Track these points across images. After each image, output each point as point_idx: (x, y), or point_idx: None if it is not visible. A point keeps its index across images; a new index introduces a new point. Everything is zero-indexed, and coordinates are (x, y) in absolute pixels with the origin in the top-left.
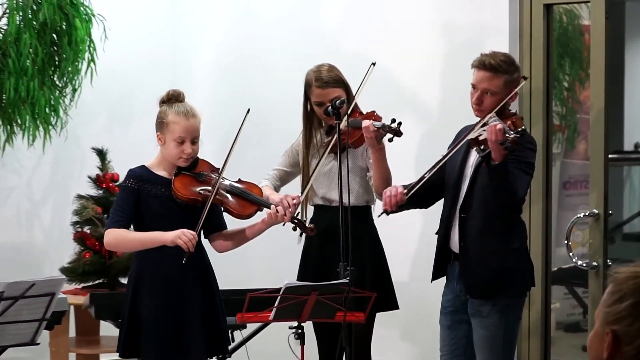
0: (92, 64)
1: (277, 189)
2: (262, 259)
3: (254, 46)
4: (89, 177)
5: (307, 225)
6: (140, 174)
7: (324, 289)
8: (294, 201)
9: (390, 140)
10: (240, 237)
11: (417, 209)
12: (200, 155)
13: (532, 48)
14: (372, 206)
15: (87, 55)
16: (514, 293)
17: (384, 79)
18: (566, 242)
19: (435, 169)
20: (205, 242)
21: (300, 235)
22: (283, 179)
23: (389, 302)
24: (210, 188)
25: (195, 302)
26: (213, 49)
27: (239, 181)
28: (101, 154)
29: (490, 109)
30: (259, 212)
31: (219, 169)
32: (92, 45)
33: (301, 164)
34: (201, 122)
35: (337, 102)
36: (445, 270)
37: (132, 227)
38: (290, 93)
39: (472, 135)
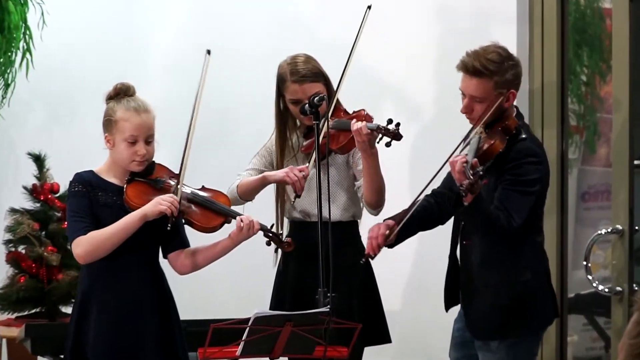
0: (27, 55)
1: None
2: (228, 283)
3: (218, 34)
4: (24, 188)
5: (283, 239)
6: (88, 179)
7: (300, 320)
8: (302, 173)
9: (388, 144)
10: (205, 256)
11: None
12: (155, 160)
13: (544, 36)
14: (359, 221)
15: (21, 44)
16: (525, 331)
17: (368, 73)
18: (585, 263)
19: (423, 193)
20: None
21: (276, 251)
22: None
23: (380, 335)
24: None
25: (150, 335)
26: (170, 37)
27: (203, 188)
28: (38, 160)
29: (479, 119)
30: (226, 225)
31: (179, 174)
32: (27, 32)
33: (275, 166)
34: (155, 120)
35: (316, 98)
36: (459, 296)
37: None
38: (260, 88)
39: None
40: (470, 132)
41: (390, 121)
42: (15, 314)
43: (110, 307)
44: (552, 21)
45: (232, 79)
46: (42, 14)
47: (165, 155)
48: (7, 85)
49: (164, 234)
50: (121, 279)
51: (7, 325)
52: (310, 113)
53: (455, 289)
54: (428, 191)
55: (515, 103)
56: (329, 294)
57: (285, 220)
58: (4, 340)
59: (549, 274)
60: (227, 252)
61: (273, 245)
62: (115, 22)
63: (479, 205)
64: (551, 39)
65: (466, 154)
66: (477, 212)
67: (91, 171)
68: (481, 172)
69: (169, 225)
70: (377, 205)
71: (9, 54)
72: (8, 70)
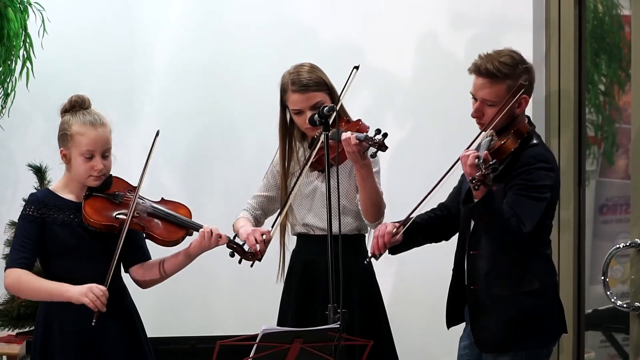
0: (27, 63)
1: (258, 219)
2: (235, 299)
3: (221, 44)
4: (24, 200)
5: (246, 249)
6: (43, 199)
7: (309, 336)
8: (264, 237)
9: (373, 155)
10: (166, 268)
11: (431, 243)
12: (155, 174)
13: (560, 43)
14: (366, 235)
15: (21, 52)
16: (534, 344)
17: (376, 81)
18: (603, 278)
19: (431, 193)
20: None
21: (240, 262)
22: (265, 207)
23: (387, 353)
24: (128, 212)
25: (115, 354)
26: (173, 47)
27: (162, 201)
28: (39, 172)
29: (489, 122)
30: (188, 237)
31: (136, 187)
32: (28, 40)
33: (280, 186)
34: (111, 133)
35: (326, 109)
36: (463, 314)
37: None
38: (265, 100)
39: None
40: (478, 135)
41: (378, 131)
42: (16, 331)
43: (73, 327)
44: (570, 28)
45: (237, 92)
46: (43, 21)
47: (166, 169)
48: (6, 95)
49: (124, 250)
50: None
51: (7, 342)
52: (319, 124)
53: (458, 306)
54: (437, 196)
55: (530, 111)
56: (339, 310)
57: (277, 235)
58: (5, 358)
59: (557, 288)
60: (189, 262)
61: (237, 256)
62: (117, 31)
63: (491, 202)
64: (568, 47)
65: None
66: (488, 209)
67: (47, 190)
68: (494, 165)
69: (94, 321)
70: (374, 217)
71: (9, 62)
72: (8, 80)
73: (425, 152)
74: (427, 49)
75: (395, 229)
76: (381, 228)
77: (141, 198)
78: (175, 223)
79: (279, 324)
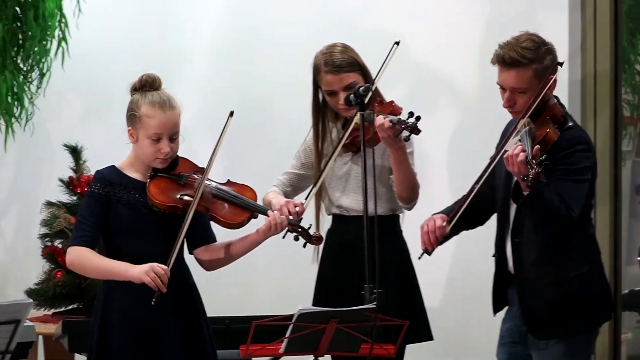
0: (63, 44)
1: (288, 196)
2: (271, 279)
3: (258, 24)
4: (60, 180)
5: (311, 233)
6: (109, 177)
7: (345, 316)
8: (297, 209)
9: (407, 139)
10: (231, 251)
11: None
12: (190, 154)
13: (596, 23)
14: (401, 215)
15: (57, 32)
16: (582, 327)
17: (411, 61)
18: (639, 259)
19: (478, 185)
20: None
21: (304, 246)
22: (295, 184)
23: (422, 332)
24: (193, 193)
25: (174, 333)
26: (209, 27)
27: (228, 183)
28: (75, 151)
29: (527, 109)
30: (253, 220)
31: (203, 169)
32: (63, 20)
33: (312, 165)
34: (181, 115)
35: (362, 88)
36: (507, 299)
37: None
38: (301, 80)
39: (508, 151)
40: (516, 124)
41: (411, 114)
42: (52, 310)
43: (133, 307)
44: (605, 8)
45: (274, 71)
46: (78, 1)
47: (202, 148)
48: (42, 75)
49: (189, 232)
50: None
51: (43, 322)
52: (355, 103)
53: (503, 292)
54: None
55: (566, 93)
56: (375, 290)
57: (312, 215)
58: (41, 337)
59: (603, 267)
60: (255, 246)
61: (301, 240)
62: (152, 9)
63: (541, 194)
64: (604, 26)
65: (522, 144)
66: (540, 200)
67: (113, 167)
68: (545, 161)
69: (154, 300)
70: (408, 200)
71: (44, 42)
72: (43, 60)
73: (473, 142)
74: (462, 31)
75: (444, 222)
76: (430, 223)
77: (208, 179)
78: (240, 205)
79: (314, 304)
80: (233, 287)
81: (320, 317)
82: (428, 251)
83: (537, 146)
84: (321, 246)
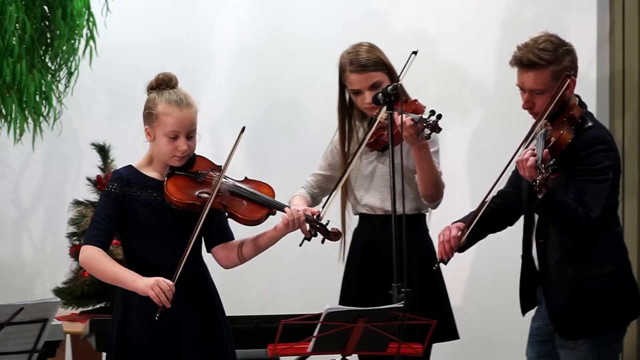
0: (91, 42)
1: (316, 198)
2: (298, 279)
3: (285, 22)
4: (88, 179)
5: (329, 229)
6: (127, 176)
7: (373, 315)
8: (314, 217)
9: (427, 137)
10: (249, 249)
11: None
12: (217, 152)
13: (624, 20)
14: (427, 214)
15: (85, 31)
16: (608, 326)
17: (438, 60)
18: None
19: (495, 185)
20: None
21: (323, 242)
22: (322, 186)
23: (448, 331)
24: (211, 191)
25: (193, 333)
26: (236, 26)
27: (245, 180)
28: (102, 150)
29: (543, 110)
30: (271, 217)
31: (221, 166)
32: (91, 19)
33: (339, 166)
34: (197, 113)
35: (389, 87)
36: (535, 298)
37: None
38: (328, 78)
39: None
40: (534, 126)
41: (432, 112)
42: (80, 309)
43: (151, 306)
44: (634, 6)
45: (301, 69)
46: (106, 0)
47: (228, 146)
48: (70, 74)
49: (207, 229)
50: (162, 275)
51: (71, 321)
52: (383, 103)
53: (531, 291)
54: (494, 191)
55: (594, 91)
56: (403, 290)
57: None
58: (68, 336)
59: (630, 266)
60: (272, 243)
61: (320, 236)
62: (179, 8)
63: (554, 197)
64: (632, 25)
65: (533, 149)
66: (552, 204)
67: (130, 166)
68: (553, 166)
69: (158, 315)
70: (432, 198)
71: (72, 41)
72: (71, 58)
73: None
74: (489, 30)
75: (459, 232)
76: (446, 233)
77: (224, 177)
78: (258, 202)
79: (340, 303)
80: (261, 286)
81: (348, 316)
82: (444, 261)
83: (546, 150)
84: (347, 245)
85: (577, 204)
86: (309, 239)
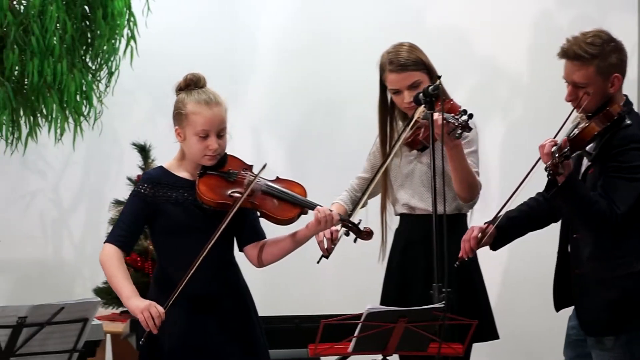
0: (132, 42)
1: (358, 201)
2: (338, 279)
3: (327, 24)
4: (129, 179)
5: (361, 228)
6: (157, 177)
7: (414, 316)
8: (331, 235)
9: (458, 136)
10: (281, 247)
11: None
12: (260, 154)
13: None
14: (468, 214)
15: (125, 31)
16: (638, 325)
17: (477, 60)
18: None
19: (519, 189)
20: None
21: (355, 241)
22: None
23: (487, 331)
24: (243, 190)
25: (224, 335)
26: (279, 27)
27: (277, 180)
28: (143, 150)
29: (587, 104)
30: (303, 216)
31: (252, 166)
32: (132, 19)
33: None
34: (227, 112)
35: (431, 87)
36: (572, 296)
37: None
38: (371, 80)
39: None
40: (568, 117)
41: (464, 112)
42: (120, 309)
43: (183, 306)
44: None
45: (344, 70)
46: (147, 0)
47: (271, 147)
48: (110, 74)
49: (239, 229)
50: (194, 275)
51: (111, 320)
52: (424, 102)
53: (566, 288)
54: (523, 190)
55: (636, 91)
56: (444, 290)
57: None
58: (108, 336)
59: None
60: (304, 242)
61: (352, 236)
62: (221, 8)
63: (572, 188)
64: None
65: (551, 139)
66: (570, 195)
67: (161, 167)
68: (566, 153)
69: (142, 340)
70: (467, 198)
71: (113, 41)
72: (112, 58)
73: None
74: (531, 30)
75: (481, 233)
76: (468, 232)
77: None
78: (290, 201)
79: (381, 303)
80: (301, 286)
81: (389, 316)
82: (464, 260)
83: (565, 138)
84: (389, 245)
85: (603, 199)
86: (327, 257)
